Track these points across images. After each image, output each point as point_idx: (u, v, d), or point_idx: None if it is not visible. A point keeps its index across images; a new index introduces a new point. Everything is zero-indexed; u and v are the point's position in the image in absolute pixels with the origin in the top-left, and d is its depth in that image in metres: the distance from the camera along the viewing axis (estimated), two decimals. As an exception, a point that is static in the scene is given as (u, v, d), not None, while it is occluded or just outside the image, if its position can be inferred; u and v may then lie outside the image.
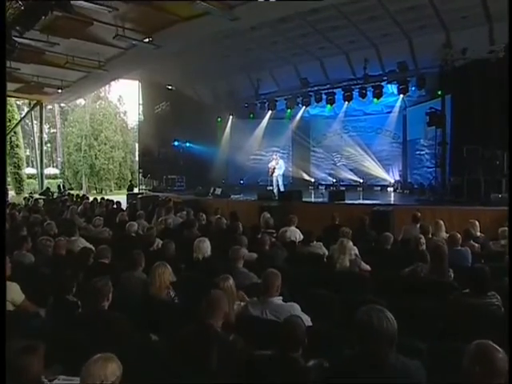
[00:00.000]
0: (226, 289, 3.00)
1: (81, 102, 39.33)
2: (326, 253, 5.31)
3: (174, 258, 4.60)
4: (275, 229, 7.00)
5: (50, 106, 42.55)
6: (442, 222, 6.16)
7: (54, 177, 34.41)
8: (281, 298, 3.06)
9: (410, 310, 3.13)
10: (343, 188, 16.44)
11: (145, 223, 7.38)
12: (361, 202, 10.68)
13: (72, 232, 5.72)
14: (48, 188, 19.58)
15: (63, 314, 2.88)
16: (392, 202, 10.61)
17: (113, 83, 43.78)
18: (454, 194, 9.94)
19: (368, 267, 4.50)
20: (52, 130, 44.41)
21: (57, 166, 38.82)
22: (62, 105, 40.12)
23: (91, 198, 12.72)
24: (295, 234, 6.29)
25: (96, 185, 34.93)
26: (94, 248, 5.40)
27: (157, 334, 2.90)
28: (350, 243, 4.65)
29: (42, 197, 14.82)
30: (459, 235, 5.23)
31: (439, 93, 11.60)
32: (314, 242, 5.44)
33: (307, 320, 2.96)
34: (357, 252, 4.80)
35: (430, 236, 5.62)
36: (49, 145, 45.23)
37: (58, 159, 40.43)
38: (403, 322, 2.03)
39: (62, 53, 12.25)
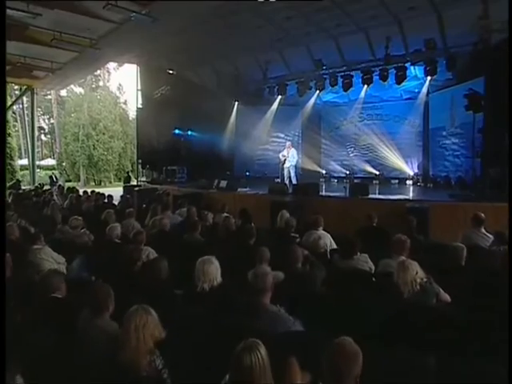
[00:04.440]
0: (255, 369, 1.62)
1: (81, 91, 38.05)
2: (373, 268, 3.94)
3: (167, 282, 3.20)
4: (296, 232, 5.61)
5: (49, 96, 41.27)
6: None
7: (52, 168, 33.10)
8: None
9: None
10: (357, 181, 15.28)
11: (136, 224, 6.02)
12: (391, 197, 9.26)
13: (35, 238, 4.33)
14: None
15: None
16: (428, 199, 9.18)
17: (112, 71, 42.81)
18: (496, 188, 8.61)
19: (448, 298, 3.11)
20: (52, 121, 43.22)
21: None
22: (63, 94, 38.80)
23: (81, 191, 11.36)
24: (326, 240, 4.87)
25: (94, 176, 33.61)
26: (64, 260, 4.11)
27: None
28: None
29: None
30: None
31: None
32: (358, 254, 4.01)
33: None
34: (422, 272, 3.41)
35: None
36: (49, 136, 44.03)
37: (57, 150, 39.14)
38: None
39: (47, 28, 10.96)
